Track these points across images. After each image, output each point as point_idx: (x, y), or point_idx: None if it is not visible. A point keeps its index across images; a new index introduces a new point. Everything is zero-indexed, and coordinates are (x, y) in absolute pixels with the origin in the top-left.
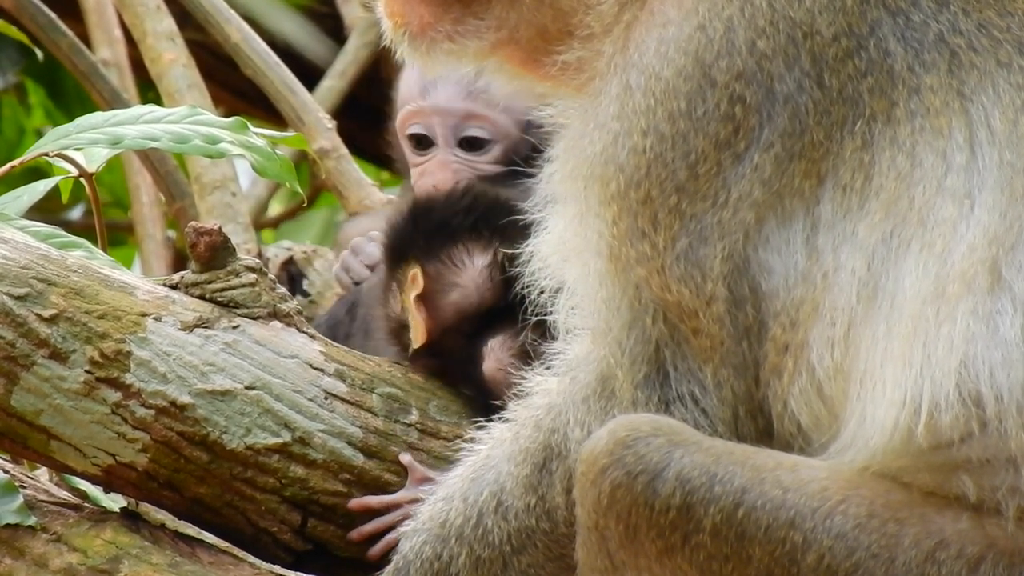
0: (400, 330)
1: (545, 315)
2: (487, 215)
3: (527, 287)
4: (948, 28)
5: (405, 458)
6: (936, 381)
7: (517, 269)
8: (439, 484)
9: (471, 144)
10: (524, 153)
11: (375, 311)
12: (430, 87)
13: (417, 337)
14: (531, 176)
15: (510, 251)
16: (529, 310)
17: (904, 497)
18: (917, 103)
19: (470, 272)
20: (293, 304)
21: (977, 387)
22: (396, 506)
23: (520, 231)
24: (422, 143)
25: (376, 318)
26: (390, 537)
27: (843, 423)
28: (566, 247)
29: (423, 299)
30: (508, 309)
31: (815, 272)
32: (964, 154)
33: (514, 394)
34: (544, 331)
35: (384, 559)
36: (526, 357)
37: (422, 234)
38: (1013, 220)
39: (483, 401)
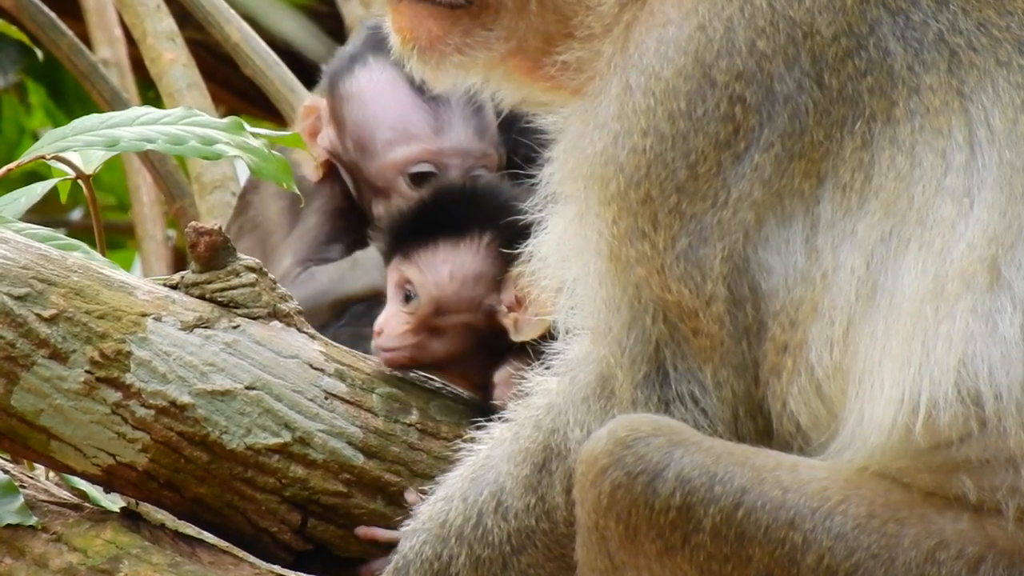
0: (473, 321)
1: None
2: None
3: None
4: (948, 27)
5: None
6: (935, 380)
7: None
8: (439, 484)
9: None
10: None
11: (443, 289)
12: (444, 128)
13: (532, 332)
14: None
15: None
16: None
17: (904, 497)
18: (917, 102)
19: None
20: (293, 304)
21: (976, 386)
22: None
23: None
24: (424, 180)
25: (442, 300)
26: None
27: (842, 422)
28: (566, 247)
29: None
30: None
31: (814, 272)
32: (964, 153)
33: (514, 394)
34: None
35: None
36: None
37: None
38: (1012, 219)
39: (483, 407)
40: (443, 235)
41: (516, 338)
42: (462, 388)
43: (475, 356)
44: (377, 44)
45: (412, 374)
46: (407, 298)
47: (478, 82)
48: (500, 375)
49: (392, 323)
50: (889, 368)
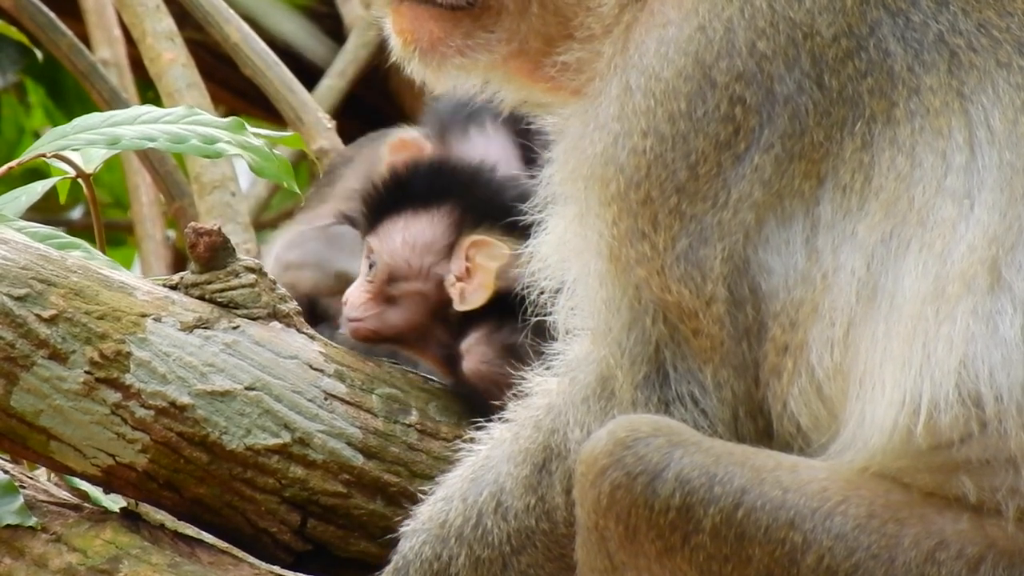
0: (425, 290)
1: (543, 322)
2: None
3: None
4: (948, 28)
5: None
6: (936, 381)
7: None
8: (439, 484)
9: None
10: None
11: (394, 256)
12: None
13: (474, 301)
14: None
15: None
16: (510, 305)
17: (904, 497)
18: (917, 103)
19: (519, 259)
20: (293, 304)
21: (977, 387)
22: None
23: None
24: None
25: (393, 266)
26: None
27: (843, 423)
28: (566, 248)
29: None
30: (494, 304)
31: (815, 272)
32: (964, 154)
33: (504, 390)
34: (524, 326)
35: (383, 558)
36: (508, 353)
37: (494, 213)
38: (1013, 220)
39: (467, 393)
40: (407, 206)
41: (460, 307)
42: (434, 367)
43: (434, 327)
44: (496, 112)
45: (412, 374)
46: (370, 267)
47: (478, 83)
48: (465, 344)
49: (356, 292)
50: (890, 369)
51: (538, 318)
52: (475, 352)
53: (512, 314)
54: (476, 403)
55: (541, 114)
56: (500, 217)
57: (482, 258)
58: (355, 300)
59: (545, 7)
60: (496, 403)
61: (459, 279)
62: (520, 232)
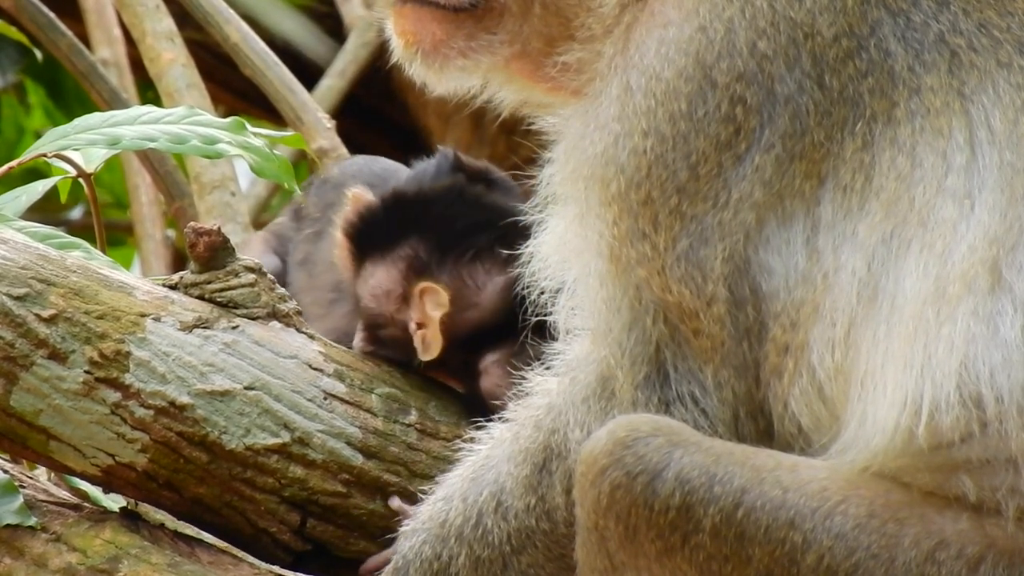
0: (383, 325)
1: (543, 322)
2: (511, 228)
3: (528, 303)
4: (948, 28)
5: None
6: (936, 382)
7: (525, 288)
8: (439, 484)
9: None
10: None
11: (368, 305)
12: None
13: (431, 351)
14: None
15: (521, 269)
16: (526, 323)
17: (904, 497)
18: (917, 103)
19: (489, 293)
20: (292, 304)
21: (977, 388)
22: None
23: (524, 237)
24: None
25: (370, 314)
26: None
27: (843, 424)
28: (566, 248)
29: (442, 317)
30: (507, 321)
31: (815, 273)
32: (964, 154)
33: (512, 395)
34: (542, 338)
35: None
36: (523, 367)
37: (438, 243)
38: (1013, 220)
39: (478, 404)
40: (374, 247)
41: (423, 356)
42: (447, 381)
43: (446, 358)
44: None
45: (412, 374)
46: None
47: (479, 84)
48: (484, 364)
49: (357, 336)
50: (891, 370)
51: (539, 319)
52: (494, 373)
53: (527, 333)
54: (483, 411)
55: (541, 115)
56: (445, 257)
57: (429, 307)
58: (356, 341)
59: (547, 8)
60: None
61: (419, 326)
62: (462, 269)
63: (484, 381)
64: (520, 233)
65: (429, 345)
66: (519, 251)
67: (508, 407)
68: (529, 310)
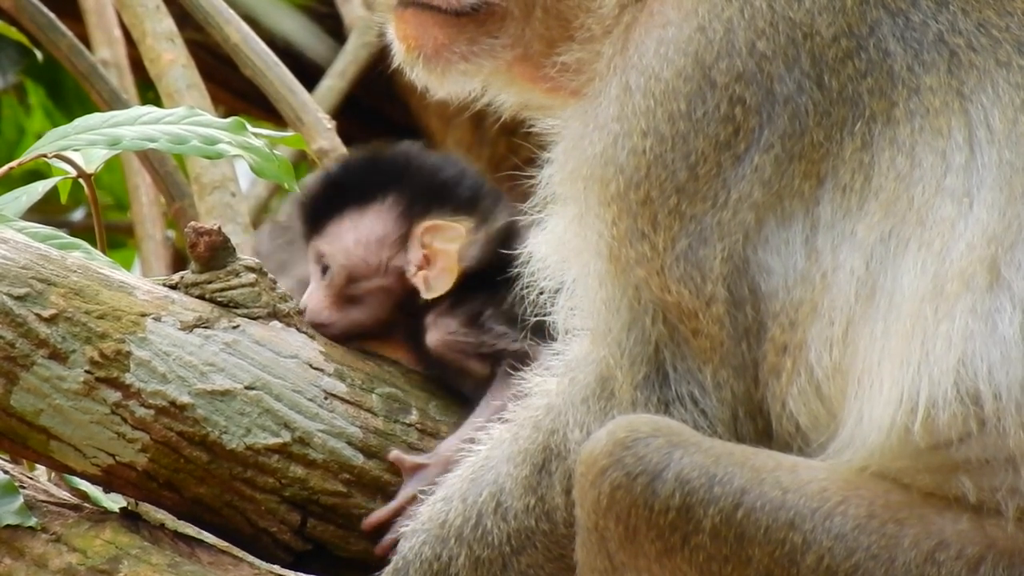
0: (390, 284)
1: (487, 280)
2: (489, 185)
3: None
4: (947, 28)
5: (393, 454)
6: (934, 380)
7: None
8: (439, 485)
9: None
10: None
11: (350, 260)
12: None
13: (441, 286)
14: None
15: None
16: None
17: (904, 498)
18: (916, 103)
19: (497, 229)
20: (293, 304)
21: (976, 385)
22: (402, 507)
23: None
24: None
25: (350, 269)
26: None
27: (842, 423)
28: (566, 248)
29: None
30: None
31: (814, 272)
32: (963, 154)
33: (474, 358)
34: (487, 296)
35: (384, 558)
36: (471, 322)
37: (438, 192)
38: (1012, 219)
39: (443, 374)
40: (348, 204)
41: (427, 295)
42: (402, 356)
43: (400, 317)
44: None
45: (412, 374)
46: (324, 271)
47: (480, 88)
48: (428, 319)
49: (314, 298)
50: (888, 368)
51: (538, 319)
52: (438, 324)
53: (472, 287)
54: (450, 379)
55: (541, 117)
56: (446, 198)
57: (440, 242)
58: (315, 306)
59: (548, 11)
60: (468, 373)
61: (420, 268)
62: (466, 208)
63: (430, 336)
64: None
65: (436, 282)
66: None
67: (480, 377)
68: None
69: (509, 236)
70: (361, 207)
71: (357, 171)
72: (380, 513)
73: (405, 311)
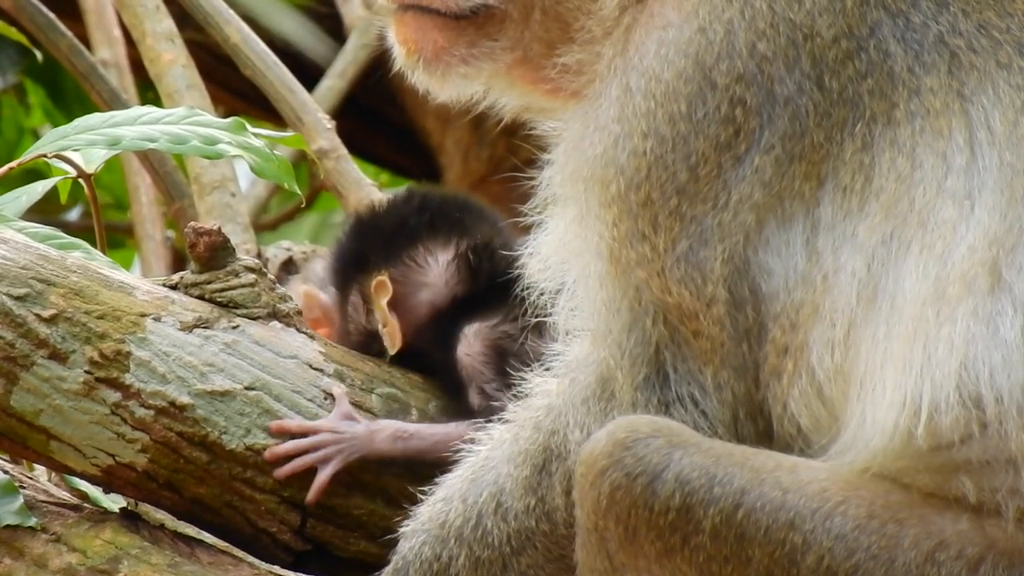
0: (370, 340)
1: (522, 304)
2: (440, 211)
3: (501, 274)
4: (948, 29)
5: (337, 389)
6: (936, 382)
7: (485, 258)
8: (439, 485)
9: None
10: None
11: (350, 329)
12: None
13: (394, 343)
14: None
15: (473, 242)
16: (507, 296)
17: (904, 498)
18: (917, 104)
19: (436, 269)
20: (292, 304)
21: (977, 388)
22: (314, 432)
23: (478, 220)
24: None
25: (339, 337)
26: (300, 461)
27: (843, 425)
28: (566, 249)
29: (393, 304)
30: (483, 297)
31: (815, 274)
32: (964, 155)
33: (480, 386)
34: (521, 319)
35: (384, 558)
36: (503, 347)
37: (379, 242)
38: (1013, 221)
39: (462, 398)
40: (348, 267)
41: (391, 351)
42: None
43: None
44: None
45: (412, 374)
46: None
47: (480, 90)
48: (467, 330)
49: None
50: (890, 371)
51: (537, 319)
52: (471, 342)
53: (510, 310)
54: (452, 386)
55: (542, 119)
56: (388, 247)
57: (381, 299)
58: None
59: (547, 13)
60: (469, 393)
61: (383, 326)
62: (392, 258)
63: (461, 347)
64: (452, 212)
65: (392, 337)
66: (462, 229)
67: (489, 387)
68: (499, 280)
69: (493, 249)
70: (341, 280)
71: (344, 241)
72: (285, 447)
73: (428, 329)
